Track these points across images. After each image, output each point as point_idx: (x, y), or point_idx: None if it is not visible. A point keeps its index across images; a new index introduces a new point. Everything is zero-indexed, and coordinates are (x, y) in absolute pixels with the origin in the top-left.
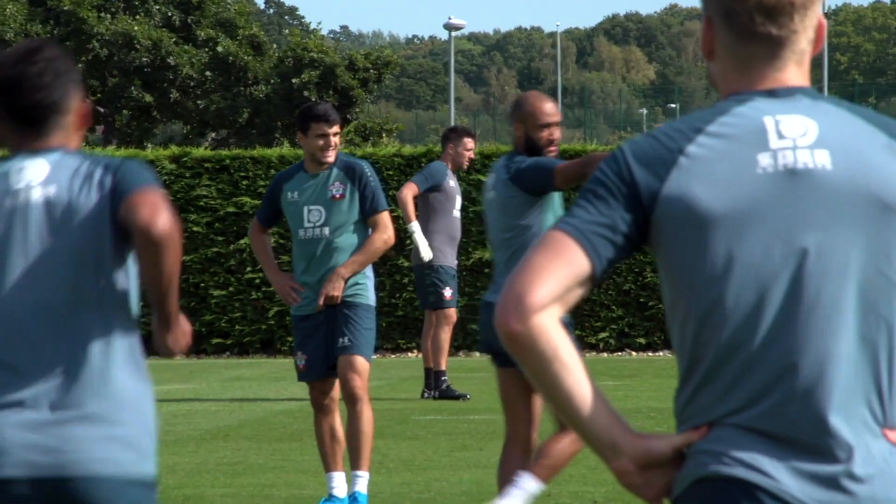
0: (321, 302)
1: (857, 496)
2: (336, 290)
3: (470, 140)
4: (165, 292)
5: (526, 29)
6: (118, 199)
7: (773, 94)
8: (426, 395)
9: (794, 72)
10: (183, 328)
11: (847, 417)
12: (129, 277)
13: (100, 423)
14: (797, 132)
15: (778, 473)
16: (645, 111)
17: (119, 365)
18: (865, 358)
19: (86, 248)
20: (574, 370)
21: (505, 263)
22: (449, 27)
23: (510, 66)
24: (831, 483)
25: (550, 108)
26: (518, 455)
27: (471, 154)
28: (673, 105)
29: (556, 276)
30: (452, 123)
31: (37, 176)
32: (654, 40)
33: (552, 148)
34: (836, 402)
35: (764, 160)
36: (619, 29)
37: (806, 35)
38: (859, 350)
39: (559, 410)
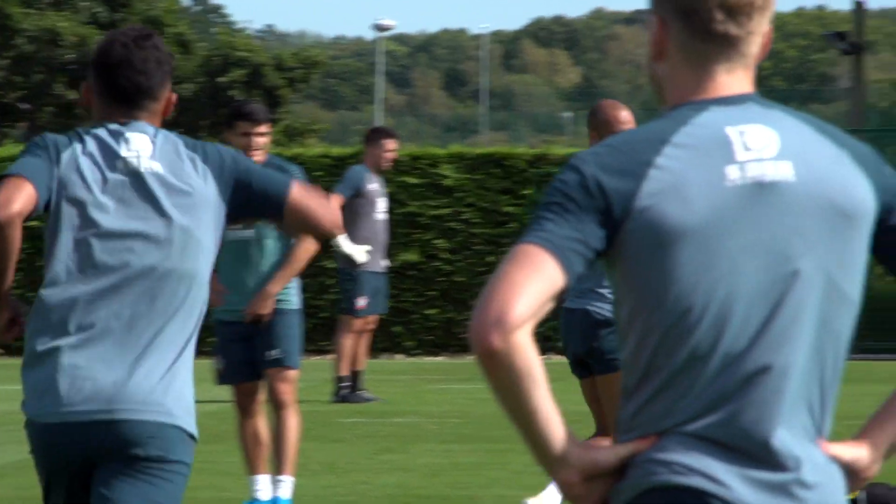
0: (247, 320)
1: (806, 502)
2: (265, 309)
3: (391, 141)
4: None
5: (452, 31)
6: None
7: (726, 101)
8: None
9: (742, 76)
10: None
11: (792, 427)
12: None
13: None
14: (761, 144)
15: (731, 481)
16: (569, 114)
17: None
18: (815, 369)
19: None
20: (542, 386)
21: None
22: (377, 27)
23: (436, 68)
24: (782, 490)
25: (625, 116)
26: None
27: (392, 155)
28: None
29: (534, 291)
30: (376, 124)
31: (144, 148)
32: (579, 43)
33: None
34: (786, 412)
35: (732, 173)
36: (545, 32)
37: (758, 39)
38: (811, 362)
39: (518, 423)
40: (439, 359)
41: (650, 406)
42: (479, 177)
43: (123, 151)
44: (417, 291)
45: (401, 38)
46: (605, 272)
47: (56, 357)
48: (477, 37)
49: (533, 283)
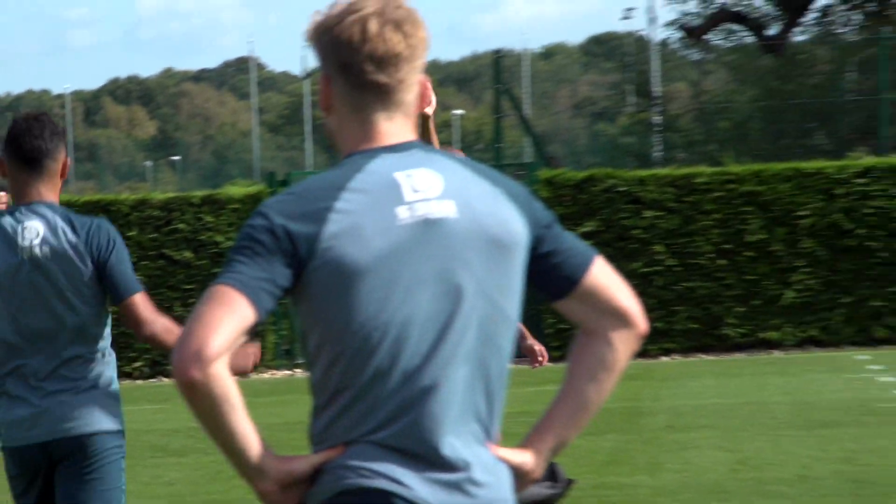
0: None
1: (478, 498)
2: None
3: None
4: None
5: (36, 91)
6: None
7: (393, 149)
8: None
9: (403, 122)
10: None
11: (461, 434)
12: None
13: None
14: (427, 186)
15: (411, 482)
16: (149, 163)
17: None
18: (480, 382)
19: None
20: (239, 409)
21: None
22: None
23: None
24: (456, 488)
25: None
26: None
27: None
28: (175, 157)
29: (228, 327)
30: None
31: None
32: (154, 99)
33: None
34: (455, 421)
35: (403, 213)
36: (122, 90)
37: (412, 87)
38: (475, 375)
39: (219, 442)
40: None
41: (340, 420)
42: None
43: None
44: None
45: None
46: (292, 306)
47: None
48: (60, 96)
49: (227, 320)
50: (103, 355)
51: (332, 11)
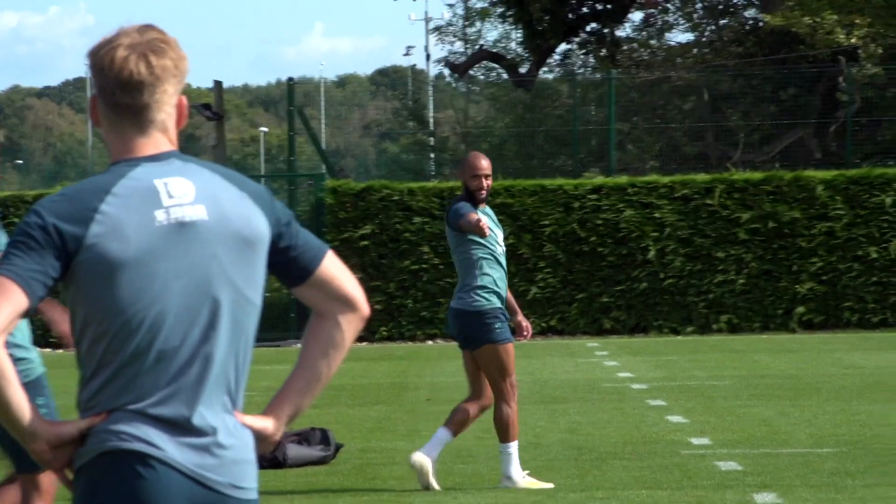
0: None
1: (223, 458)
2: None
3: None
4: None
5: None
6: None
7: (154, 158)
8: None
9: (160, 137)
10: None
11: (212, 405)
12: None
13: None
14: (181, 192)
15: (165, 445)
16: None
17: None
18: (230, 360)
19: None
20: (13, 383)
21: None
22: None
23: None
24: (205, 450)
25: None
26: (476, 409)
27: None
28: (20, 161)
29: (4, 313)
30: None
31: None
32: (2, 111)
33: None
34: (207, 394)
35: (160, 216)
36: None
37: (162, 108)
38: (227, 355)
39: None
40: None
41: (104, 391)
42: None
43: None
44: None
45: None
46: (63, 292)
47: None
48: None
49: (2, 307)
50: None
51: (99, 41)
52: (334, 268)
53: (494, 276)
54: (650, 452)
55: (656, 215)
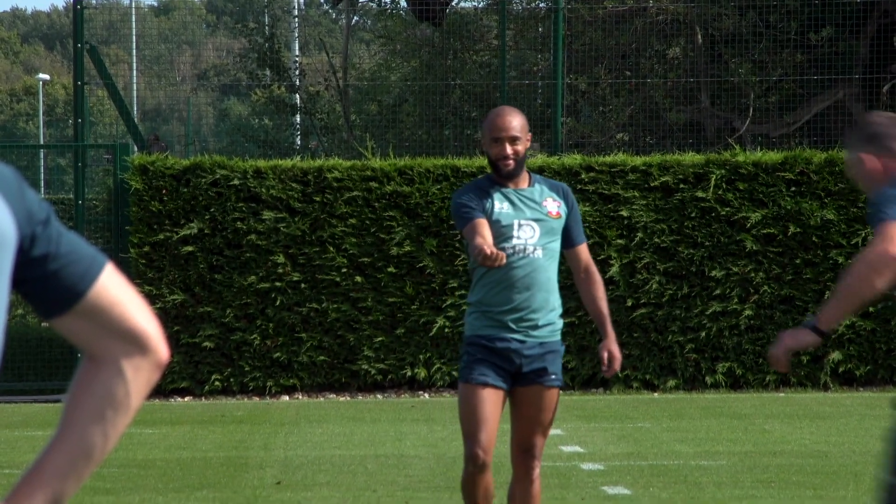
0: None
1: None
2: None
3: None
4: None
5: None
6: None
7: None
8: None
9: None
10: None
11: None
12: None
13: None
14: None
15: None
16: None
17: None
18: None
19: None
20: None
21: None
22: None
23: None
24: None
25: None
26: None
27: None
28: None
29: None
30: None
31: None
32: None
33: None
34: None
35: None
36: None
37: None
38: None
39: None
40: None
41: None
42: None
43: None
44: None
45: None
46: None
47: None
48: None
49: None
50: None
51: None
52: (115, 289)
53: (489, 293)
54: None
55: (622, 213)
